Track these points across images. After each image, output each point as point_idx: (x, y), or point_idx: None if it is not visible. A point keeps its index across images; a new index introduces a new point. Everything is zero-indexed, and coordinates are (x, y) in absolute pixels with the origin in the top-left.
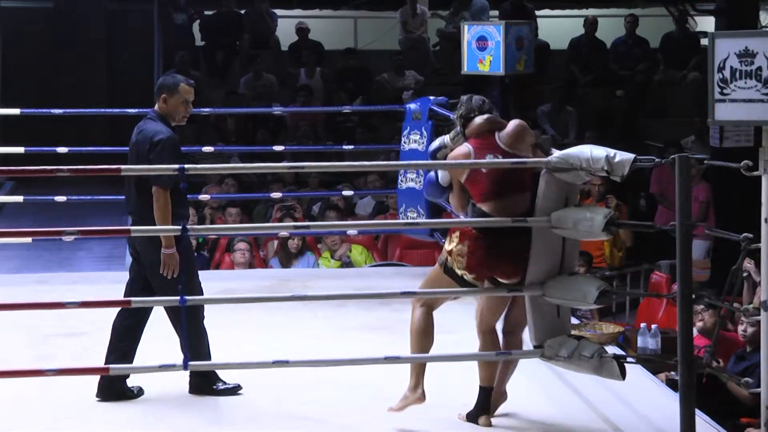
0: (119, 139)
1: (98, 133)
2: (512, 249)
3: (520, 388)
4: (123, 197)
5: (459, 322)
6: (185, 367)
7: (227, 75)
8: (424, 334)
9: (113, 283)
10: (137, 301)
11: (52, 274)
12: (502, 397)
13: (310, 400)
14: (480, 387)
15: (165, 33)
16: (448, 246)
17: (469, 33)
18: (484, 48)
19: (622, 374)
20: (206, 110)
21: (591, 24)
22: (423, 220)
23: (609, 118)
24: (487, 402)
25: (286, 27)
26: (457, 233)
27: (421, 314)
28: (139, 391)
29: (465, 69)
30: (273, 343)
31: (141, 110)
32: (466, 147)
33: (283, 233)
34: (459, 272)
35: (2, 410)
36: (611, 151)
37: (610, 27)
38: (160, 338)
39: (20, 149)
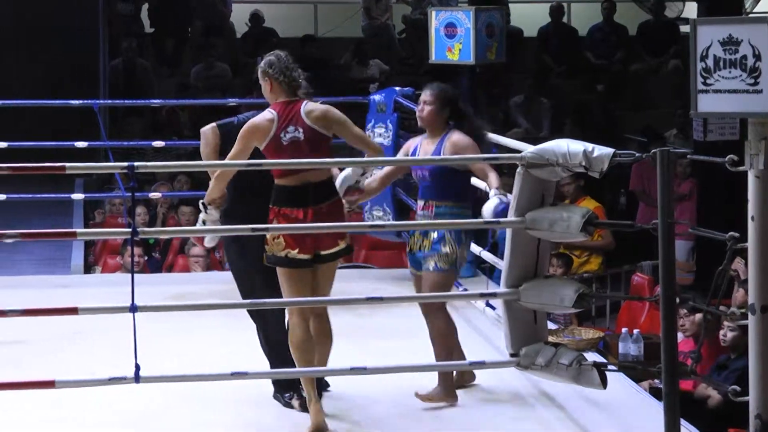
0: (62, 133)
1: (39, 127)
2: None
3: (494, 398)
4: (64, 195)
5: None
6: (137, 379)
7: (178, 64)
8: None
9: (56, 288)
10: (84, 309)
11: None
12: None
13: (268, 413)
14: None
15: (111, 19)
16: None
17: (436, 19)
18: (452, 35)
19: (603, 383)
20: (156, 101)
21: (557, 11)
22: (389, 222)
23: (585, 110)
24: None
25: (241, 13)
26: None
27: (301, 331)
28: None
29: (433, 58)
30: (229, 351)
31: (85, 102)
32: (270, 113)
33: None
34: (282, 253)
35: None
36: (589, 146)
37: (587, 13)
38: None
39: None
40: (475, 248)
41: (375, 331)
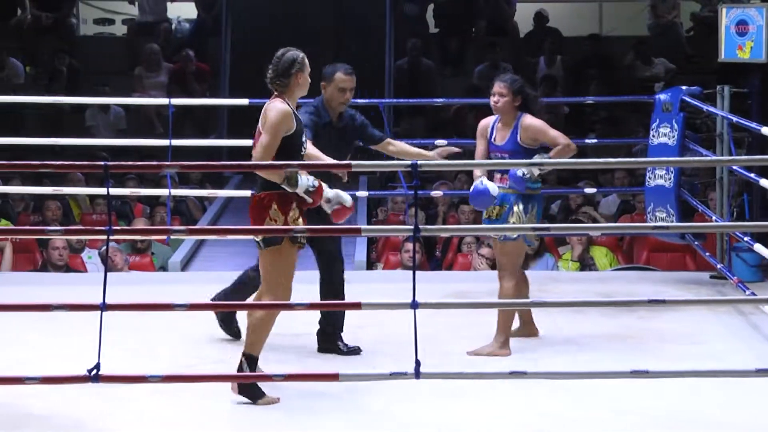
0: None
1: None
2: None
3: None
4: (349, 192)
5: (711, 332)
6: (417, 375)
7: (461, 64)
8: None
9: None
10: (367, 304)
11: None
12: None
13: (544, 413)
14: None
15: (397, 20)
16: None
17: (727, 17)
18: (744, 33)
19: None
20: (439, 101)
21: None
22: (673, 223)
23: None
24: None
25: (525, 12)
26: (275, 208)
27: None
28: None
29: (722, 56)
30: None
31: (370, 101)
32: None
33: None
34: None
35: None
36: None
37: None
38: None
39: (248, 142)
40: (764, 251)
41: (656, 334)
